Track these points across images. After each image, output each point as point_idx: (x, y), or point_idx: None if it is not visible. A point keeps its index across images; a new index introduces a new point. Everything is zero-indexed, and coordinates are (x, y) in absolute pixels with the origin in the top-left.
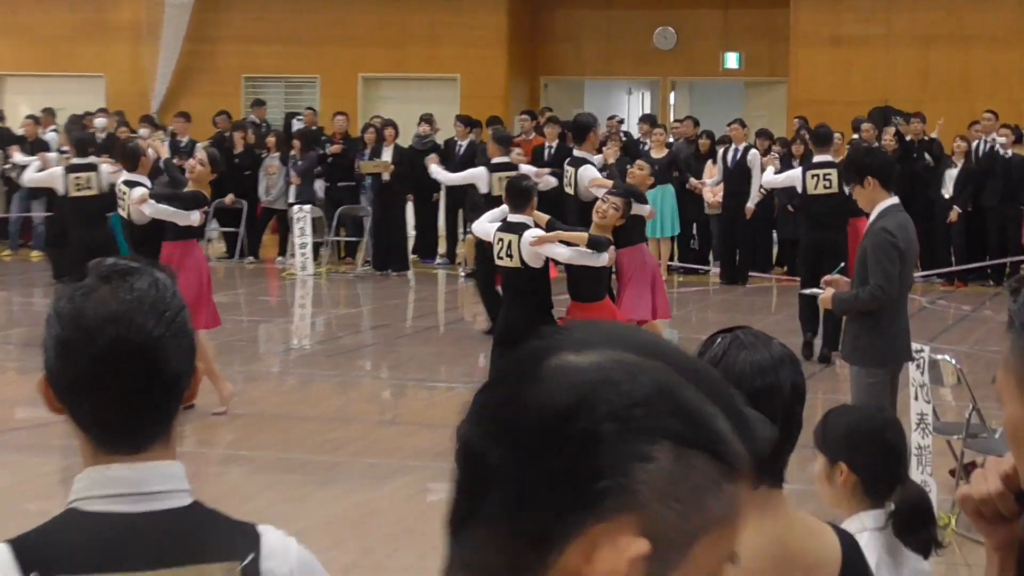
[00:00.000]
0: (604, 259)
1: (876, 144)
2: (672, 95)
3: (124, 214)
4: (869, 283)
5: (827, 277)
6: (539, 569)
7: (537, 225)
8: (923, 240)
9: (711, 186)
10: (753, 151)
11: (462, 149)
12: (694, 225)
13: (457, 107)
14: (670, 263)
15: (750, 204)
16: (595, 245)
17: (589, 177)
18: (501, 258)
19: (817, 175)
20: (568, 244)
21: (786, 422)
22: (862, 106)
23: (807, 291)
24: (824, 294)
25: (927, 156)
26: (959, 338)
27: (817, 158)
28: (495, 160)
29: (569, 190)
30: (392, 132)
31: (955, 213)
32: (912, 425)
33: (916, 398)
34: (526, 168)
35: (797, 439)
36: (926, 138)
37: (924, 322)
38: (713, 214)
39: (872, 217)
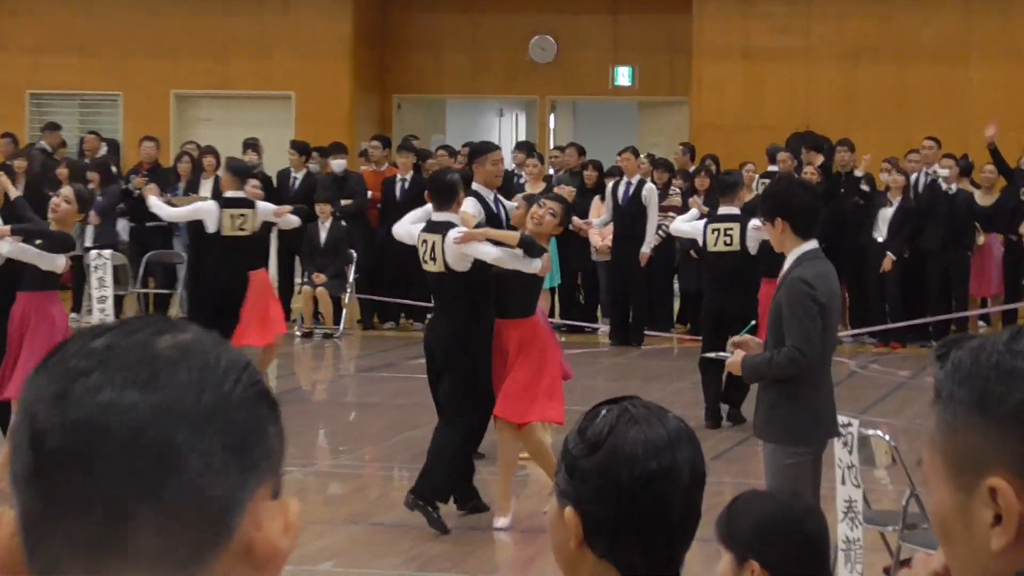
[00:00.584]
0: (537, 265)
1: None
2: (552, 117)
3: None
4: (785, 344)
5: (735, 338)
6: (220, 544)
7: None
8: (852, 292)
9: (598, 227)
10: (649, 185)
11: (297, 182)
12: (578, 274)
13: (291, 130)
14: (550, 320)
15: (645, 249)
16: (528, 247)
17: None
18: (426, 262)
19: (718, 229)
20: (497, 244)
21: (684, 511)
22: (778, 131)
23: (711, 355)
24: (732, 358)
25: (861, 191)
26: (895, 410)
27: (721, 210)
28: (227, 194)
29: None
30: (212, 161)
31: (889, 260)
32: (839, 514)
33: (843, 482)
34: (264, 207)
35: (694, 532)
36: (855, 171)
37: (853, 390)
38: (601, 261)
39: (787, 265)
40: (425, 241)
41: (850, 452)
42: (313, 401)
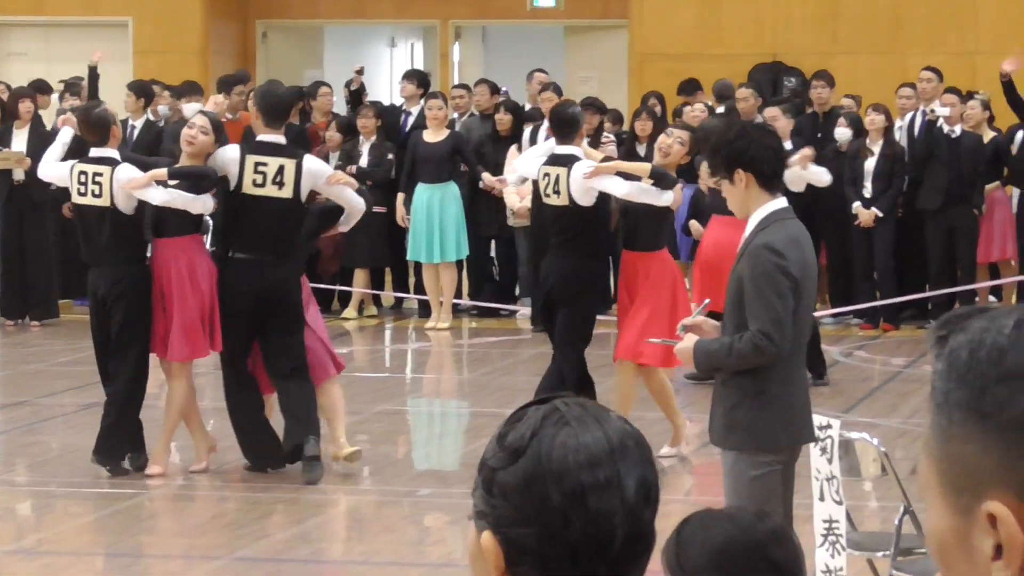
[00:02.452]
0: (669, 198)
1: (759, 119)
2: (456, 47)
3: (84, 202)
4: (748, 328)
5: (687, 320)
6: None
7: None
8: (833, 262)
9: (515, 185)
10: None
11: (135, 133)
12: (491, 243)
13: (129, 67)
14: (457, 301)
15: None
16: (660, 179)
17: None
18: (548, 195)
19: (549, 174)
20: (628, 177)
21: (630, 535)
22: (739, 61)
23: (656, 340)
24: (682, 344)
25: (839, 135)
26: (887, 408)
27: (560, 148)
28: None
29: (556, 200)
30: (30, 106)
31: (870, 216)
32: (816, 538)
33: (822, 497)
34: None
35: (646, 560)
36: (842, 109)
37: (835, 384)
38: (519, 226)
39: (749, 229)
40: (547, 175)
41: (830, 461)
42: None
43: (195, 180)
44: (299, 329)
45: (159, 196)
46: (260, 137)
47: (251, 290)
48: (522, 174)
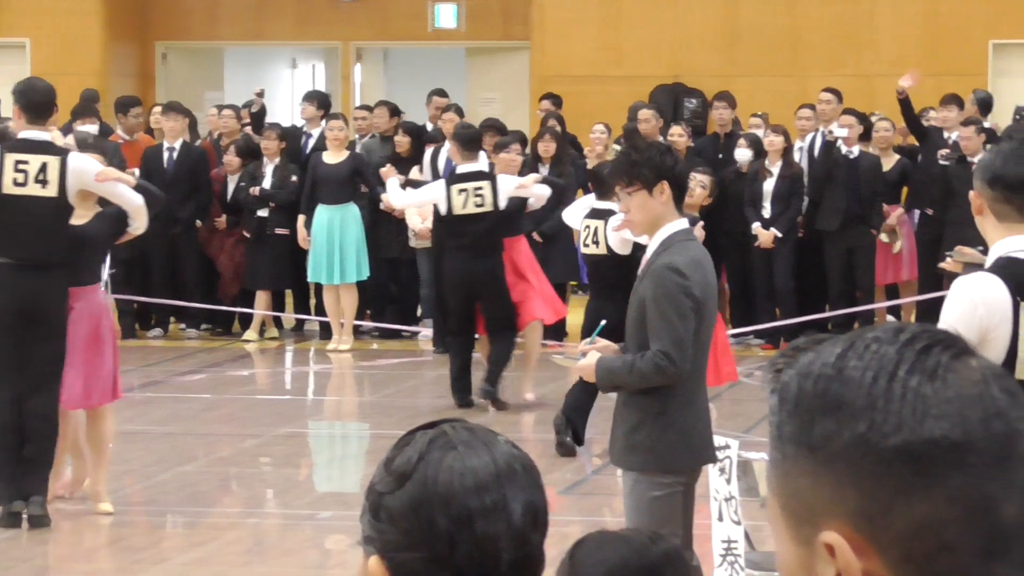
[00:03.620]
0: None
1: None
2: (357, 68)
3: None
4: (650, 347)
5: (585, 344)
6: None
7: None
8: (734, 283)
9: (416, 206)
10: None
11: None
12: (393, 266)
13: None
14: (358, 322)
15: None
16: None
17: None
18: (587, 245)
19: (589, 226)
20: None
21: (517, 559)
22: (640, 83)
23: (559, 357)
24: (584, 361)
25: (739, 156)
26: None
27: (599, 204)
28: None
29: (595, 249)
30: None
31: (769, 236)
32: (715, 558)
33: (720, 518)
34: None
35: None
36: (741, 131)
37: (735, 405)
38: (421, 248)
39: (651, 250)
40: (588, 226)
41: (728, 481)
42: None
43: None
44: (57, 340)
45: None
46: (22, 134)
47: (12, 298)
48: (567, 222)
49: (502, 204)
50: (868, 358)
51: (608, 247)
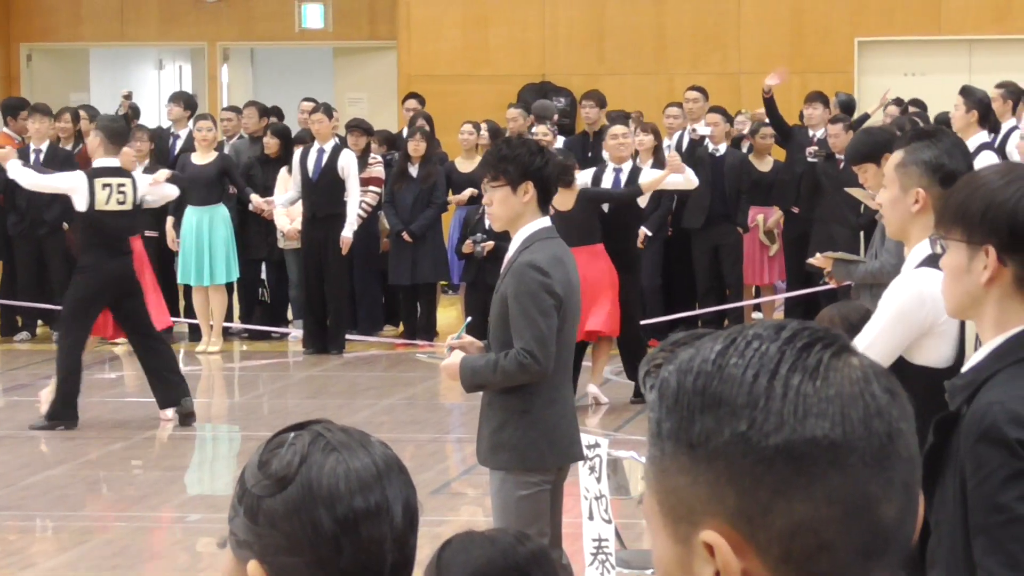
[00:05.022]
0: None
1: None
2: (224, 69)
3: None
4: (513, 346)
5: (452, 340)
6: None
7: None
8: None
9: (284, 206)
10: (347, 152)
11: None
12: (262, 266)
13: None
14: (227, 324)
15: (347, 233)
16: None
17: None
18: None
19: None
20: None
21: (397, 560)
22: (507, 82)
23: (423, 356)
24: (448, 360)
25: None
26: None
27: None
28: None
29: None
30: None
31: (640, 235)
32: (586, 556)
33: (591, 516)
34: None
35: None
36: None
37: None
38: (290, 248)
39: (513, 248)
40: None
41: (598, 480)
42: None
43: None
44: None
45: None
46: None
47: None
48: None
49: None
50: (749, 356)
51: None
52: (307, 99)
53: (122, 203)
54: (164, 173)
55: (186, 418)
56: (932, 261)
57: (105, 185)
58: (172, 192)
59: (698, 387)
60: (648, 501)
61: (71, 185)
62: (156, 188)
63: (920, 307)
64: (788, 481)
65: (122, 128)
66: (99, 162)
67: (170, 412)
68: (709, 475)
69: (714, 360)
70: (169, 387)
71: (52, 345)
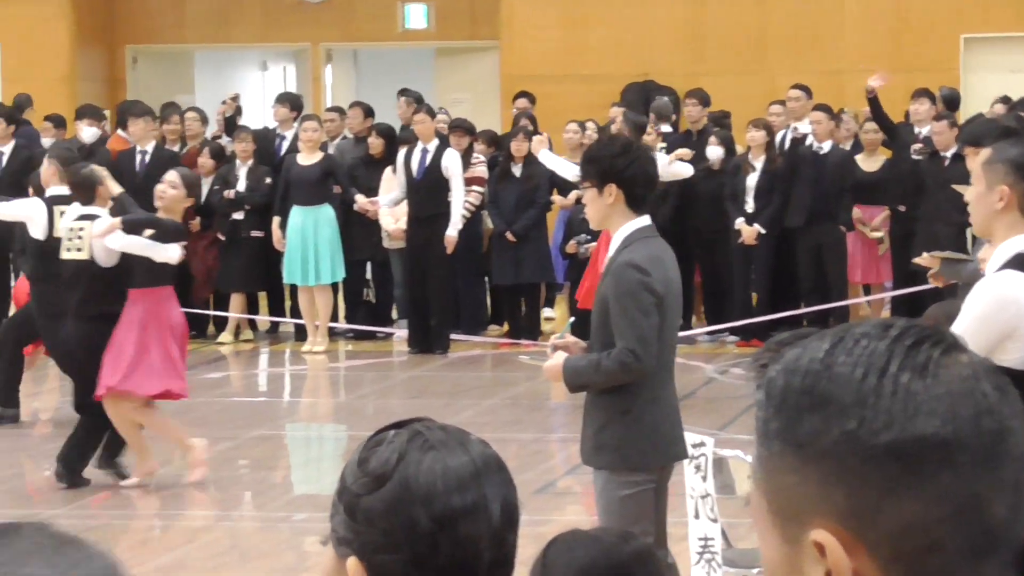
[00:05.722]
0: None
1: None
2: (328, 69)
3: (76, 256)
4: (615, 345)
5: (555, 340)
6: None
7: None
8: (707, 280)
9: (389, 206)
10: (450, 152)
11: (4, 157)
12: (367, 266)
13: None
14: (332, 324)
15: (451, 232)
16: None
17: None
18: None
19: None
20: None
21: (495, 558)
22: (608, 81)
23: (525, 358)
24: (549, 363)
25: (710, 153)
26: None
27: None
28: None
29: None
30: None
31: (752, 232)
32: (692, 556)
33: (697, 515)
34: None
35: None
36: (712, 130)
37: (710, 402)
38: (395, 248)
39: (613, 247)
40: None
41: (704, 479)
42: (34, 434)
43: (162, 231)
44: None
45: (118, 242)
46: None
47: None
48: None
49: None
50: (857, 354)
51: None
52: (404, 91)
53: (79, 249)
54: (116, 222)
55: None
56: (1018, 262)
57: (62, 212)
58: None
59: (806, 386)
60: (756, 501)
61: (28, 213)
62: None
63: (1002, 310)
64: (897, 480)
65: (75, 157)
66: (53, 190)
67: None
68: (818, 474)
69: (822, 359)
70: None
71: None
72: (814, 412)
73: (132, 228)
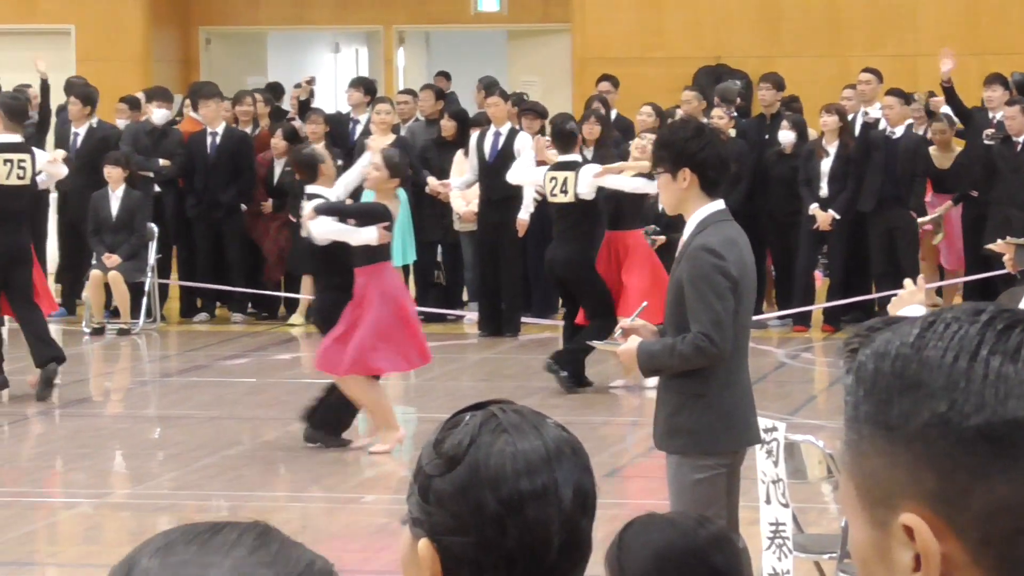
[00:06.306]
0: (655, 186)
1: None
2: (400, 52)
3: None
4: (690, 329)
5: (625, 323)
6: None
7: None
8: (781, 265)
9: (461, 189)
10: (523, 135)
11: (79, 138)
12: (438, 248)
13: (73, 72)
14: None
15: (523, 215)
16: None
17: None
18: (555, 195)
19: (556, 179)
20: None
21: (567, 542)
22: (681, 64)
23: (597, 343)
24: (625, 346)
25: (782, 137)
26: (832, 409)
27: (563, 157)
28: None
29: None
30: None
31: (827, 218)
32: (763, 541)
33: (768, 500)
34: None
35: (583, 568)
36: (784, 112)
37: (781, 387)
38: (466, 231)
39: (688, 231)
40: (554, 178)
41: (775, 464)
42: (106, 414)
43: (362, 216)
44: None
45: (318, 229)
46: (561, 157)
47: None
48: (522, 182)
49: (583, 196)
50: (948, 338)
51: (576, 195)
52: (489, 83)
53: (21, 178)
54: (60, 153)
55: (45, 385)
56: None
57: (7, 161)
58: (62, 172)
59: (896, 370)
60: (844, 485)
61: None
62: (50, 166)
63: None
64: (988, 463)
65: (22, 106)
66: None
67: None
68: (908, 457)
69: (912, 343)
70: (42, 351)
71: (231, 326)
72: (904, 395)
73: (326, 214)
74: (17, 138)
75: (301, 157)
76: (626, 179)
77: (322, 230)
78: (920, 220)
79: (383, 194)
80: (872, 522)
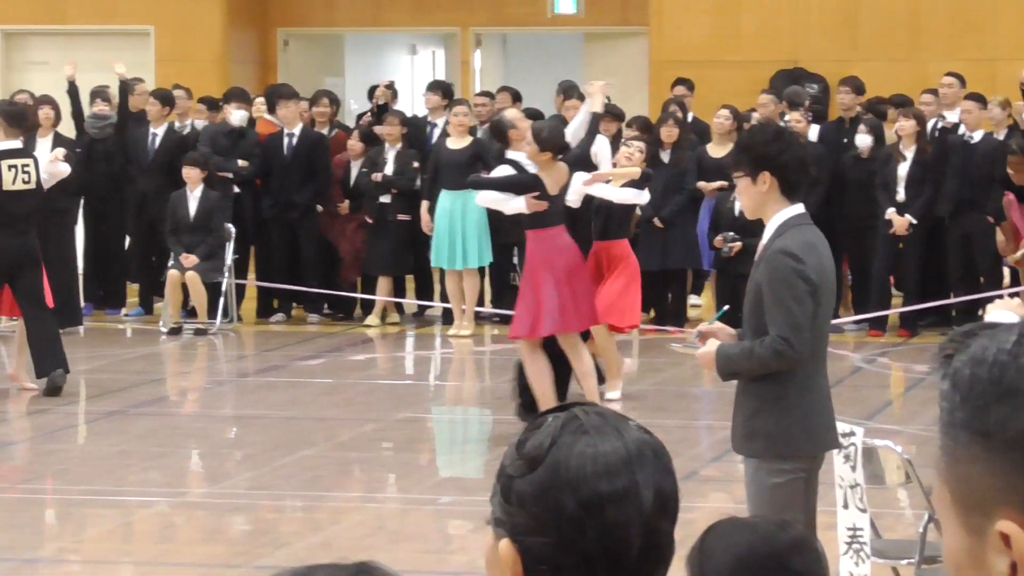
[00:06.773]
0: (645, 196)
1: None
2: (477, 54)
3: None
4: (768, 333)
5: (703, 327)
6: None
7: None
8: (857, 269)
9: None
10: (600, 138)
11: (157, 139)
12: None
13: (152, 73)
14: (479, 308)
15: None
16: (644, 179)
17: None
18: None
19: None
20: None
21: (647, 545)
22: (757, 68)
23: (678, 346)
24: (704, 349)
25: (859, 141)
26: (910, 414)
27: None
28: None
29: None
30: (51, 114)
31: (904, 223)
32: (841, 546)
33: (845, 505)
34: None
35: (664, 571)
36: (862, 115)
37: (858, 391)
38: None
39: (767, 235)
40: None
41: (853, 468)
42: (182, 414)
43: (511, 188)
44: None
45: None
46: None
47: None
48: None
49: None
50: None
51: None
52: (569, 87)
53: (27, 182)
54: (60, 151)
55: (52, 391)
56: None
57: (11, 167)
58: (64, 170)
59: (994, 376)
60: (939, 491)
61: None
62: (51, 165)
63: None
64: None
65: (20, 112)
66: (1, 145)
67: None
68: (1004, 464)
69: (1010, 350)
70: (45, 359)
71: (307, 327)
72: (1002, 402)
73: (477, 187)
74: (18, 144)
75: (492, 125)
76: (614, 189)
77: (485, 199)
78: (1010, 258)
79: (543, 165)
80: (967, 528)
